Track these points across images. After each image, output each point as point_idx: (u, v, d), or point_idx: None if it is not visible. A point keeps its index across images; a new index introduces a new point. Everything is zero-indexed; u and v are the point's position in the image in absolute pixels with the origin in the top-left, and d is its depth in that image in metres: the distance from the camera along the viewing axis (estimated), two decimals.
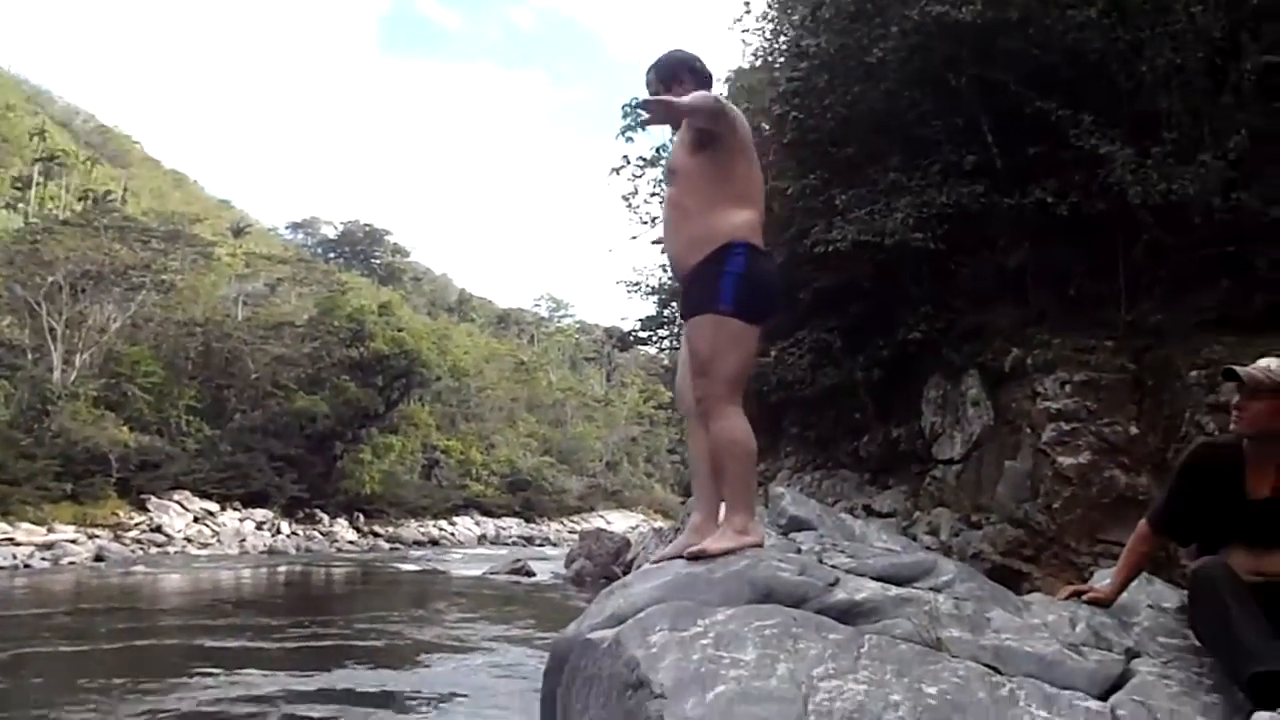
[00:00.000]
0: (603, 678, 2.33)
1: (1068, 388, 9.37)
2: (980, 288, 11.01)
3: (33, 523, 26.97)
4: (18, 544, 24.73)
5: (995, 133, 10.51)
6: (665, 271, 21.79)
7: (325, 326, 43.58)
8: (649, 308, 23.25)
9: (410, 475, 47.86)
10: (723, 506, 3.09)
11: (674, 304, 21.11)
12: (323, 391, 40.88)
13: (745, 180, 3.17)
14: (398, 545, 38.03)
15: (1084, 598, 3.13)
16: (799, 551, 3.15)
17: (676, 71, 3.33)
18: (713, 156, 3.10)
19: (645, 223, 20.43)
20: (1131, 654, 2.77)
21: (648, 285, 21.33)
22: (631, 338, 22.76)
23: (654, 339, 23.05)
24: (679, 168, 3.20)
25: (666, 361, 29.35)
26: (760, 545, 3.01)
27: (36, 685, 8.87)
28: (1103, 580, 3.36)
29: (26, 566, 23.10)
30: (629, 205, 20.70)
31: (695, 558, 2.89)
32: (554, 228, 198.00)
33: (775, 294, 3.27)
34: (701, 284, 3.03)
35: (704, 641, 2.30)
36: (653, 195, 20.33)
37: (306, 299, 49.86)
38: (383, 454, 44.60)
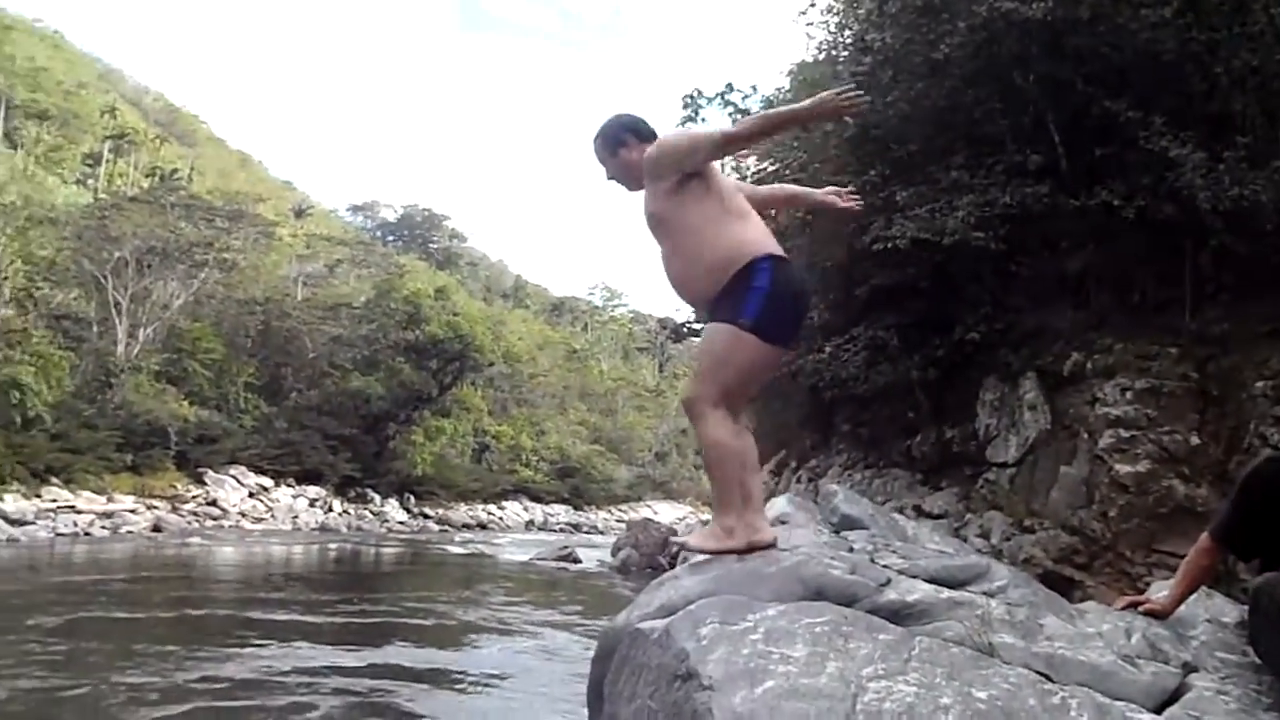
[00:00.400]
0: (651, 668, 2.35)
1: (1128, 394, 9.20)
2: (1040, 290, 10.85)
3: (94, 492, 27.61)
4: (79, 512, 25.34)
5: (1062, 133, 10.33)
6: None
7: (382, 309, 44.08)
8: None
9: (461, 458, 48.32)
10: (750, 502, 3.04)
11: None
12: (378, 373, 41.38)
13: (730, 194, 3.15)
14: (446, 527, 38.42)
15: (1140, 609, 3.08)
16: (851, 550, 3.14)
17: (620, 137, 3.31)
18: (698, 186, 3.07)
19: None
20: (1189, 668, 2.72)
21: None
22: (685, 329, 22.73)
23: None
24: (665, 215, 3.14)
25: None
26: (771, 544, 2.97)
27: (93, 649, 9.10)
28: (1160, 592, 3.31)
29: (86, 534, 23.68)
30: None
31: (681, 547, 2.93)
32: (611, 217, 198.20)
33: (800, 311, 3.21)
34: (730, 299, 2.99)
35: (754, 636, 2.30)
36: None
37: (364, 281, 50.46)
38: (435, 436, 45.10)
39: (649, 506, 53.01)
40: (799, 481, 16.04)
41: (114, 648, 9.19)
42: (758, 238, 3.04)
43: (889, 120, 11.65)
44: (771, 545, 2.99)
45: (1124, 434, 9.07)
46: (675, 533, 23.17)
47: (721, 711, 2.05)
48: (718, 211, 3.05)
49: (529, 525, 44.31)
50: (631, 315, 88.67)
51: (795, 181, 14.22)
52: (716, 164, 3.16)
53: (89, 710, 6.50)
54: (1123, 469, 8.96)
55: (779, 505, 3.65)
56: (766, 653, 2.25)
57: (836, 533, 3.41)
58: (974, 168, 10.83)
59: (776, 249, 3.06)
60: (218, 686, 7.37)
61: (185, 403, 35.50)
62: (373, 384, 40.52)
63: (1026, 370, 10.59)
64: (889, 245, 10.68)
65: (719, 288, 3.00)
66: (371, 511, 37.86)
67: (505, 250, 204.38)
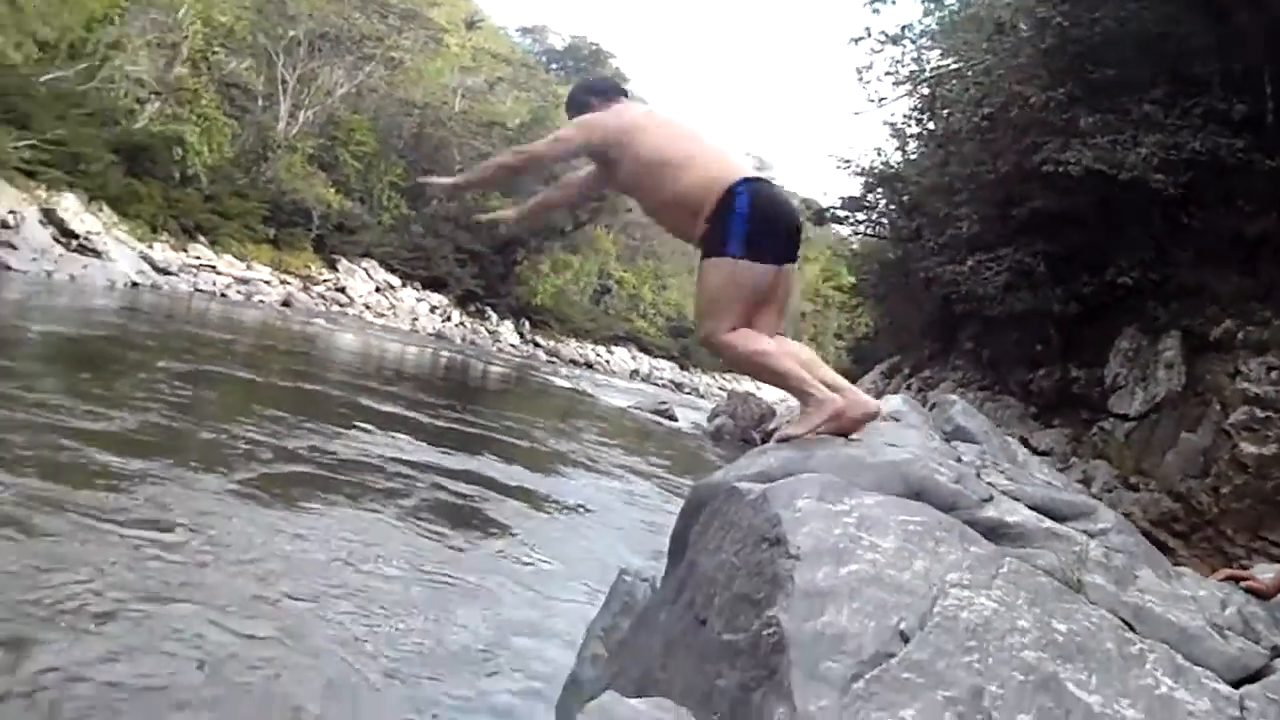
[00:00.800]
0: (742, 527, 2.39)
1: (1273, 374, 8.79)
2: (1208, 247, 10.31)
3: (235, 257, 28.89)
4: (219, 273, 26.61)
5: (1277, 85, 9.61)
6: (878, 154, 21.16)
7: (534, 135, 44.10)
8: (853, 188, 22.78)
9: (581, 296, 49.00)
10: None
11: (880, 189, 20.57)
12: (516, 197, 41.74)
13: (672, 138, 3.12)
14: (554, 360, 39.27)
15: (1241, 584, 3.01)
16: (959, 461, 3.11)
17: (580, 102, 3.36)
18: (627, 155, 3.12)
19: (873, 100, 19.76)
20: (1277, 652, 2.66)
21: (858, 165, 20.75)
22: (828, 214, 22.35)
23: (850, 220, 22.59)
24: (622, 184, 3.24)
25: (856, 245, 28.78)
26: (876, 413, 3.05)
27: (215, 401, 9.68)
28: (1265, 574, 3.21)
29: (222, 295, 24.89)
30: (861, 79, 20.04)
31: (784, 439, 2.96)
32: (773, 84, 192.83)
33: (787, 223, 3.14)
34: (715, 230, 2.98)
35: (848, 519, 2.32)
36: (887, 74, 19.57)
37: (521, 104, 50.51)
38: (560, 270, 45.72)
39: (754, 382, 53.10)
40: (909, 389, 15.86)
41: (234, 403, 9.77)
42: (722, 168, 3.01)
43: (1092, 38, 10.99)
44: (876, 413, 3.08)
45: (1259, 413, 8.70)
46: (774, 412, 23.27)
47: (803, 581, 2.09)
48: (660, 163, 3.06)
49: (633, 374, 44.96)
50: None
51: (976, 85, 13.60)
52: (639, 122, 3.16)
53: (208, 453, 6.95)
54: (1248, 448, 8.64)
55: (893, 402, 3.62)
56: (857, 537, 2.27)
57: (947, 441, 3.38)
58: (1169, 106, 10.20)
59: (747, 170, 3.04)
60: (323, 459, 7.79)
61: (332, 189, 36.56)
62: (507, 204, 40.94)
63: (1171, 327, 10.17)
64: (1060, 169, 10.23)
65: (705, 225, 2.98)
66: (487, 329, 38.86)
67: (664, 99, 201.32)
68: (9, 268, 17.09)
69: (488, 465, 9.68)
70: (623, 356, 47.60)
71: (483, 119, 45.06)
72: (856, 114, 31.86)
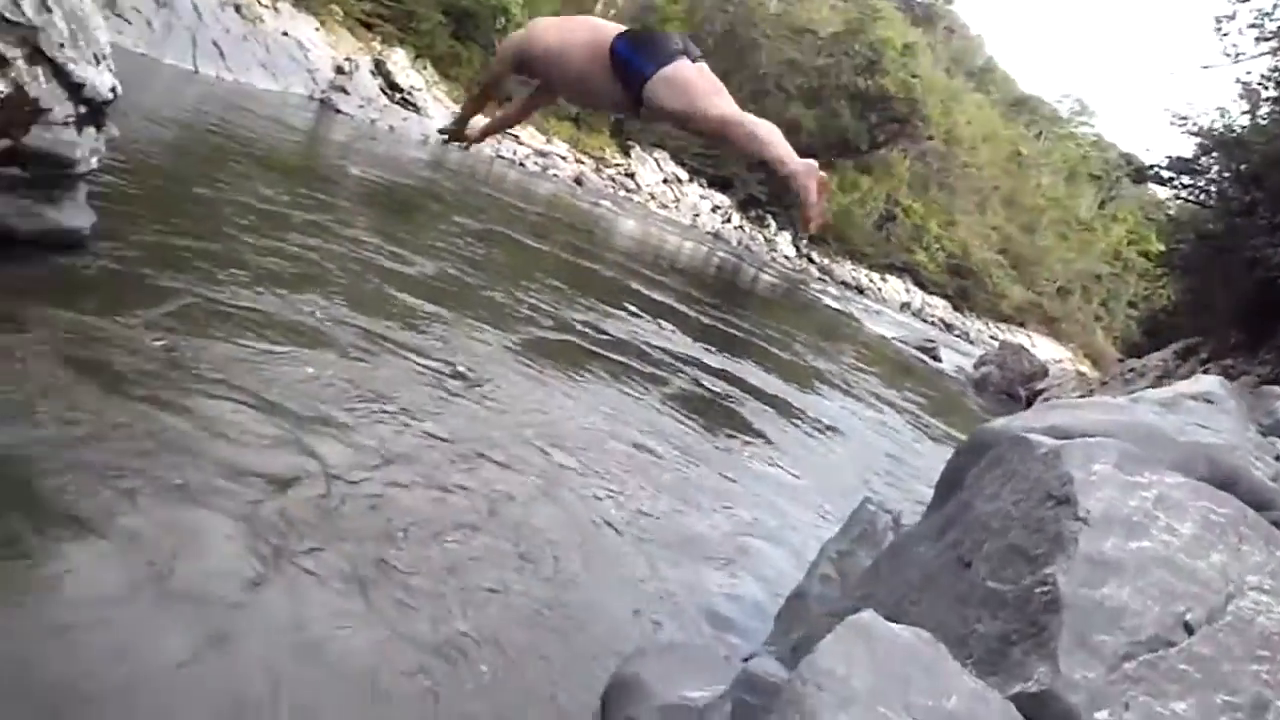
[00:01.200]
0: (1027, 479, 2.28)
1: None
2: None
3: (538, 130, 29.96)
4: (520, 143, 27.71)
5: None
6: (1221, 115, 19.20)
7: (844, 47, 42.99)
8: (1184, 148, 20.81)
9: (864, 220, 47.80)
10: None
11: (1216, 153, 18.69)
12: (817, 109, 40.99)
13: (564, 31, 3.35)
14: (826, 278, 38.72)
15: None
16: (1278, 458, 2.83)
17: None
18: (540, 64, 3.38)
19: (1229, 55, 17.85)
20: None
21: (1194, 124, 18.88)
22: (1151, 172, 20.59)
23: (1174, 183, 20.73)
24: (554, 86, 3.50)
25: (1172, 211, 26.48)
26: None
27: (501, 261, 10.19)
28: None
29: (521, 165, 25.95)
30: (1219, 29, 18.11)
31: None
32: (1109, 26, 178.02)
33: (659, 37, 3.25)
34: (624, 80, 3.14)
35: (1145, 494, 2.16)
36: (1250, 26, 17.61)
37: (837, 13, 49.02)
38: (848, 189, 44.69)
39: (1029, 336, 50.50)
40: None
41: (519, 267, 10.24)
42: (592, 36, 3.24)
43: None
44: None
45: None
46: (1046, 371, 22.09)
47: (1088, 547, 1.97)
48: (564, 52, 3.31)
49: (904, 307, 43.73)
50: (1094, 139, 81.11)
51: None
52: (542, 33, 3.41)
53: (492, 309, 7.35)
54: None
55: (1205, 382, 3.31)
56: (1153, 515, 2.11)
57: (1264, 435, 3.08)
58: None
59: (614, 30, 3.24)
60: (594, 334, 8.08)
61: None
62: (808, 118, 40.27)
63: None
64: None
65: (616, 83, 3.17)
66: (764, 237, 38.72)
67: (986, 27, 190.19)
68: (339, 110, 18.47)
69: (747, 369, 9.74)
70: (896, 287, 46.32)
71: (795, 24, 44.12)
72: (1205, 68, 28.74)
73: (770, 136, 3.00)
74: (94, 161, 4.59)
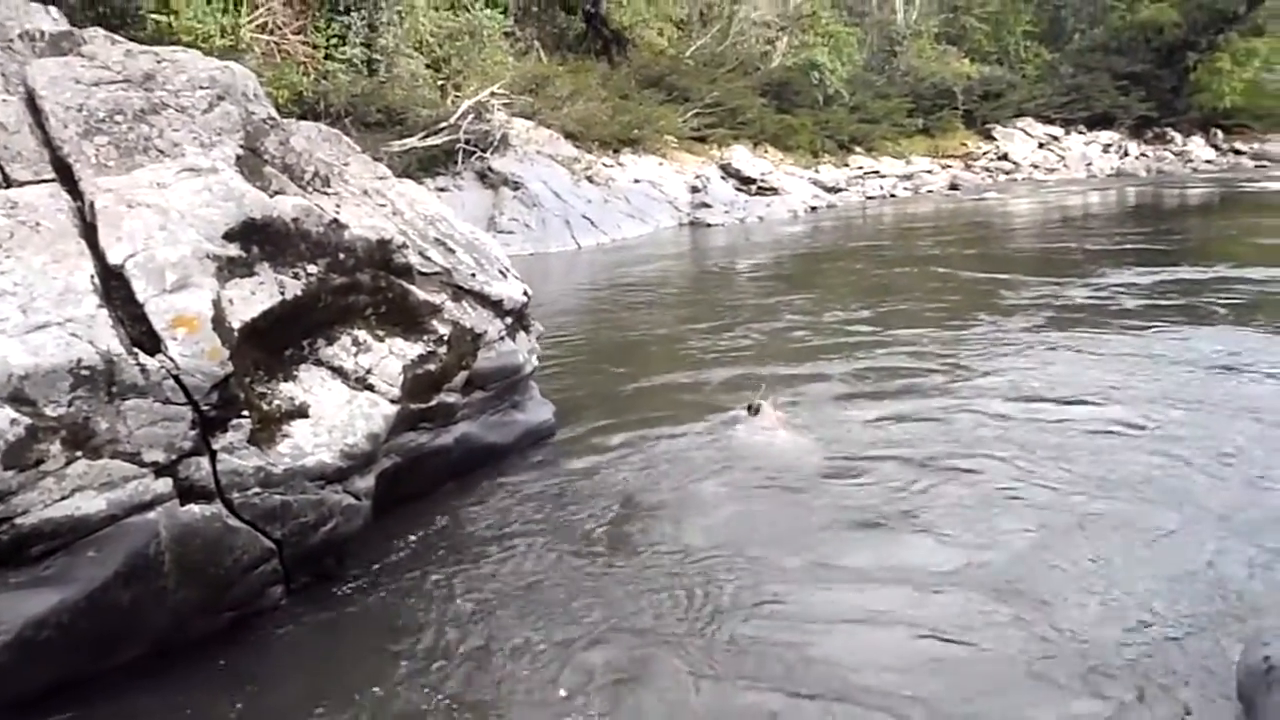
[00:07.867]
0: None
1: None
2: None
3: (892, 156, 29.45)
4: (882, 176, 27.35)
5: None
6: None
7: None
8: None
9: (1278, 84, 41.73)
10: None
11: None
12: None
13: None
14: (1263, 162, 34.00)
15: None
16: None
17: None
18: None
19: None
20: None
21: None
22: None
23: None
24: None
25: None
26: None
27: (939, 274, 10.09)
28: None
29: (891, 195, 25.54)
30: None
31: None
32: None
33: None
34: None
35: None
36: None
37: None
38: (1244, 61, 39.24)
39: None
40: None
41: (950, 284, 9.95)
42: None
43: None
44: None
45: None
46: None
47: None
48: None
49: None
50: None
51: None
52: None
53: (984, 301, 7.15)
54: None
55: None
56: None
57: None
58: None
59: None
60: (1065, 302, 8.22)
61: (966, 60, 35.63)
62: (1165, 10, 36.26)
63: None
64: None
65: None
66: (1172, 152, 34.95)
67: None
68: (709, 224, 19.24)
69: (1180, 284, 9.07)
70: None
71: None
72: None
73: None
74: (534, 360, 5.04)
